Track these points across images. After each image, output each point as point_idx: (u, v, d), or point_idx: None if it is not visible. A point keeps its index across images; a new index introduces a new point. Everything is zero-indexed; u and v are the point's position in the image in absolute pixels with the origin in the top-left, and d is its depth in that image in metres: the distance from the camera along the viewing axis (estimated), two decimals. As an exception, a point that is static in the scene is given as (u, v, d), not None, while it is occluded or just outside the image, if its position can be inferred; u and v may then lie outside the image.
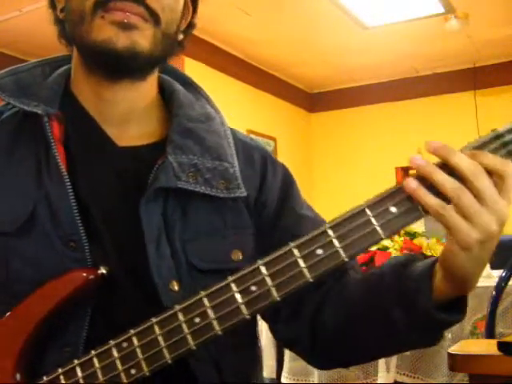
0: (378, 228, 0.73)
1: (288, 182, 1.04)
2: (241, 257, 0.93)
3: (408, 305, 0.79)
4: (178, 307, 0.78)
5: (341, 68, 6.09)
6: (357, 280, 0.91)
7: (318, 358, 0.95)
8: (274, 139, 6.12)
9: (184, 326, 0.77)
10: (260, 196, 0.99)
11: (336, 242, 0.74)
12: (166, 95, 1.03)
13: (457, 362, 1.24)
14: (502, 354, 1.17)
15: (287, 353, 2.54)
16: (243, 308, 0.76)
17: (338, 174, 6.53)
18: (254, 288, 0.75)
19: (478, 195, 0.70)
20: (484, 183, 0.70)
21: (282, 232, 0.97)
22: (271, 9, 4.71)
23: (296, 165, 6.12)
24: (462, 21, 4.89)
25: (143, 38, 0.89)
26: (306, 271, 0.74)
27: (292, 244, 0.75)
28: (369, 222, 0.73)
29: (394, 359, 2.32)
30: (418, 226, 2.96)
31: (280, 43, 5.39)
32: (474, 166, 0.70)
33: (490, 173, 0.71)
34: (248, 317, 0.76)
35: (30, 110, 0.93)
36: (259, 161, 1.03)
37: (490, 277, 2.66)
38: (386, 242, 2.80)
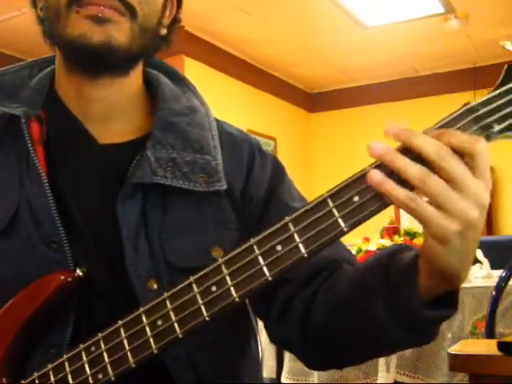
0: (340, 220, 0.66)
1: (278, 174, 1.02)
2: (222, 254, 0.91)
3: (393, 300, 0.74)
4: (142, 309, 0.75)
5: (341, 68, 6.09)
6: (347, 274, 0.87)
7: (311, 358, 0.93)
8: (274, 139, 6.12)
9: (147, 329, 0.74)
10: (246, 188, 0.97)
11: (296, 237, 0.68)
12: (151, 89, 1.02)
13: (457, 362, 1.24)
14: (502, 354, 1.17)
15: (287, 353, 2.53)
16: (203, 309, 0.71)
17: (338, 174, 6.50)
18: (214, 288, 0.71)
19: (449, 179, 0.62)
20: (452, 164, 0.62)
21: (269, 224, 0.95)
22: (271, 9, 4.71)
23: (296, 165, 6.13)
24: (461, 21, 4.89)
25: (119, 32, 0.88)
26: (265, 269, 0.69)
27: (253, 240, 0.70)
28: (330, 213, 0.67)
29: (394, 359, 2.32)
30: (418, 226, 2.96)
31: (280, 43, 5.39)
32: (440, 147, 0.62)
33: (460, 154, 0.63)
34: (208, 319, 0.72)
35: (9, 112, 0.93)
36: (246, 153, 1.01)
37: (490, 277, 2.67)
38: (386, 242, 2.80)
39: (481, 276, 2.67)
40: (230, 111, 4.92)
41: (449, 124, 0.65)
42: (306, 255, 0.68)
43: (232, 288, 0.70)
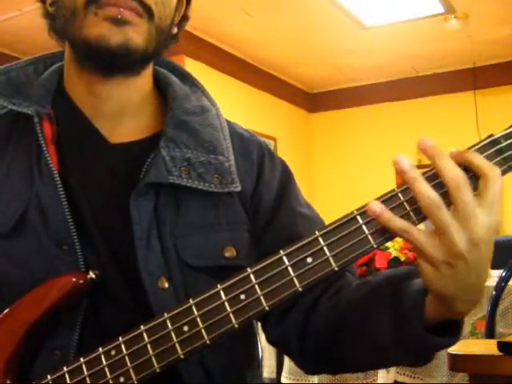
0: (370, 236, 0.70)
1: (286, 179, 1.02)
2: (234, 254, 0.91)
3: (399, 322, 0.75)
4: (166, 315, 0.76)
5: (341, 68, 6.09)
6: (352, 287, 0.88)
7: (306, 360, 0.94)
8: (274, 139, 6.12)
9: (172, 335, 0.75)
10: (256, 191, 0.97)
11: (326, 250, 0.71)
12: (161, 88, 1.01)
13: (457, 362, 1.24)
14: (502, 354, 1.17)
15: (287, 353, 2.53)
16: (232, 317, 0.73)
17: (338, 174, 6.53)
18: (243, 297, 0.73)
19: (456, 209, 0.67)
20: (465, 198, 0.66)
21: (277, 229, 0.96)
22: (272, 9, 4.70)
23: (296, 165, 6.10)
24: (461, 21, 4.89)
25: (137, 34, 0.87)
26: (295, 280, 0.72)
27: (282, 251, 0.73)
28: (360, 229, 0.70)
29: (394, 359, 2.31)
30: (418, 226, 2.95)
31: (280, 43, 5.39)
32: (459, 177, 0.66)
33: (476, 175, 0.67)
34: (236, 326, 0.73)
35: (20, 110, 0.91)
36: (256, 155, 1.01)
37: (489, 277, 2.66)
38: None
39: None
40: (230, 111, 4.91)
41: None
42: (336, 268, 0.71)
43: (262, 297, 0.73)
